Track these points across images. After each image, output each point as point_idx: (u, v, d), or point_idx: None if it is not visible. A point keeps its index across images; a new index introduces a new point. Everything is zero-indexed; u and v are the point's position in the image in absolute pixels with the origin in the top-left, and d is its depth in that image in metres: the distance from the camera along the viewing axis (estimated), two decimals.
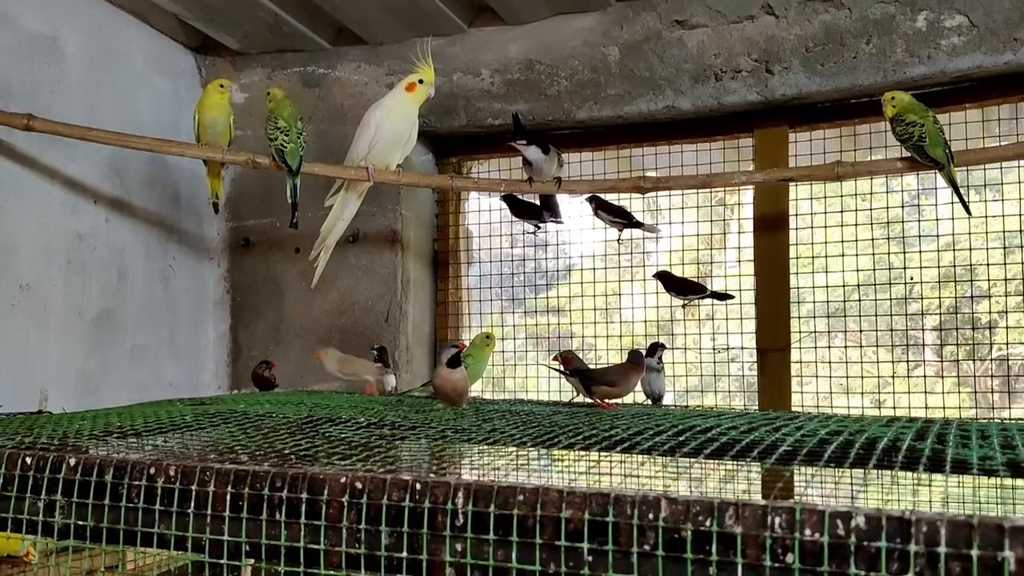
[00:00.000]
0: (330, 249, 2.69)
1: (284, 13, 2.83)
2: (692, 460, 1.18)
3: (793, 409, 2.61)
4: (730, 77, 2.61)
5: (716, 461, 1.17)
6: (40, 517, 1.29)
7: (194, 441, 1.49)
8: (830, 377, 2.68)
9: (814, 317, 2.89)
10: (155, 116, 2.99)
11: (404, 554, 1.11)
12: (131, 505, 1.26)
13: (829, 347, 2.73)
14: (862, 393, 2.71)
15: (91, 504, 1.28)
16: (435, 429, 1.51)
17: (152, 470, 1.26)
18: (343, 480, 1.16)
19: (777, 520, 0.96)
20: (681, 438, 1.29)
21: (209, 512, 1.21)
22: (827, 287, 2.71)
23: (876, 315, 2.64)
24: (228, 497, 1.20)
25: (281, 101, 2.49)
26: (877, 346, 2.70)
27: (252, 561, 1.22)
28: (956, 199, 2.17)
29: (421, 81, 2.40)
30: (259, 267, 3.16)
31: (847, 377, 2.67)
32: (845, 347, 2.74)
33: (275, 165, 2.45)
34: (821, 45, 2.52)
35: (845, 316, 2.70)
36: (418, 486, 1.11)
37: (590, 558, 1.02)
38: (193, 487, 1.23)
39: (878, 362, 2.67)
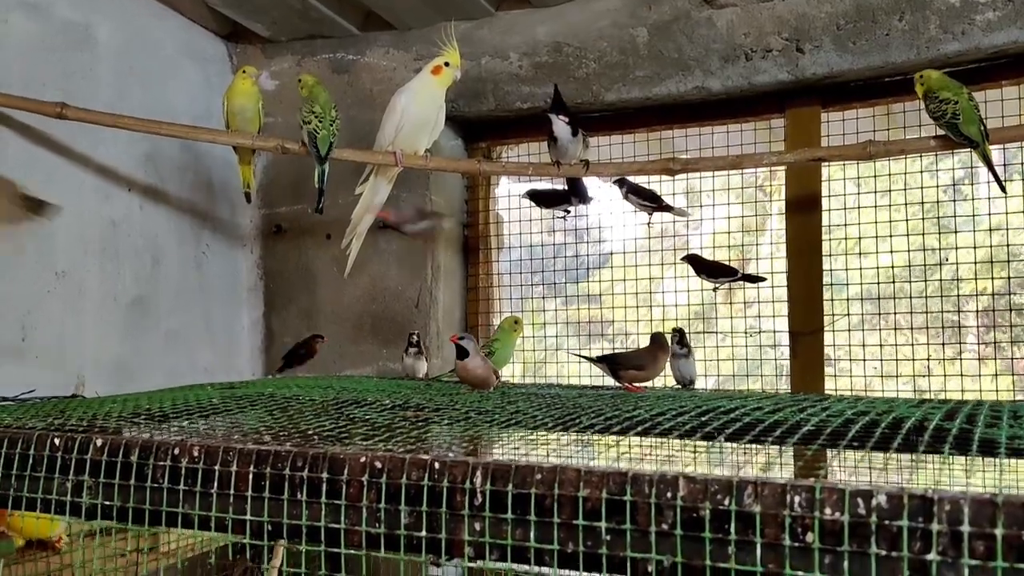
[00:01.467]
0: (362, 236, 2.69)
1: None
2: (712, 440, 1.16)
3: (826, 392, 2.58)
4: (760, 57, 2.58)
5: (737, 442, 1.16)
6: (68, 498, 1.31)
7: (220, 423, 1.50)
8: (864, 360, 2.64)
9: (848, 299, 2.83)
10: (186, 104, 3.01)
11: (423, 533, 1.11)
12: (156, 485, 1.27)
13: (862, 330, 2.69)
14: (897, 376, 2.66)
15: (118, 484, 1.29)
16: (458, 411, 1.51)
17: (176, 450, 1.27)
18: (363, 460, 1.16)
19: (797, 499, 0.95)
20: (703, 419, 1.28)
21: (232, 492, 1.22)
22: (860, 269, 2.65)
23: (911, 297, 2.59)
24: (250, 477, 1.21)
25: (314, 87, 2.49)
26: (912, 329, 2.65)
27: (285, 541, 1.22)
28: (991, 178, 2.12)
29: (447, 64, 2.40)
30: (291, 253, 3.18)
31: (881, 360, 2.63)
32: (879, 330, 2.71)
33: (304, 151, 2.46)
34: (852, 22, 2.48)
35: (880, 299, 2.65)
36: (437, 465, 1.11)
37: (608, 537, 1.02)
38: (216, 467, 1.23)
39: (913, 345, 2.62)
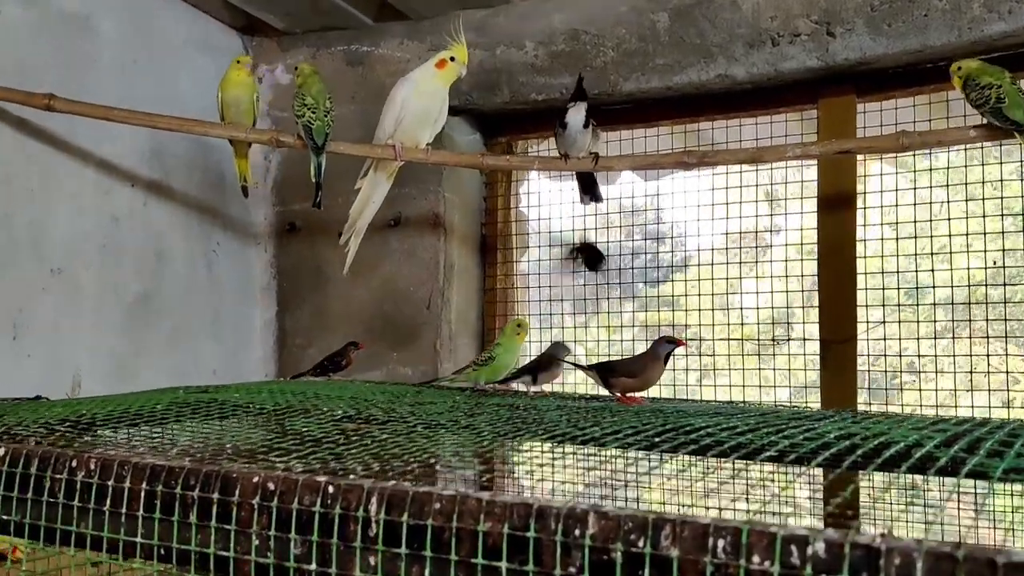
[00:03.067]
0: (361, 233, 2.58)
1: None
2: (652, 460, 1.00)
3: (857, 406, 2.38)
4: (788, 41, 2.38)
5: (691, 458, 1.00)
6: None
7: (145, 432, 1.38)
8: (937, 372, 2.40)
9: (932, 304, 2.56)
10: (197, 97, 2.93)
11: (313, 567, 0.97)
12: (52, 500, 1.16)
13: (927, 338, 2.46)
14: (988, 390, 2.40)
15: (16, 498, 1.19)
16: (408, 424, 1.37)
17: (74, 463, 1.15)
18: (255, 480, 1.03)
19: (720, 543, 0.79)
20: (660, 438, 1.12)
21: (124, 511, 1.10)
22: (907, 271, 2.42)
23: (984, 302, 2.37)
24: (142, 494, 1.09)
25: (309, 76, 2.39)
26: (988, 338, 2.41)
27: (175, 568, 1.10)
28: None
29: (452, 59, 2.27)
30: (304, 252, 3.08)
31: (955, 372, 2.39)
32: (951, 339, 2.48)
33: (300, 144, 2.35)
34: (888, 3, 2.27)
35: (955, 305, 2.41)
36: (331, 489, 0.98)
37: None
38: (110, 482, 1.12)
39: (988, 356, 2.38)
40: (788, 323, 2.83)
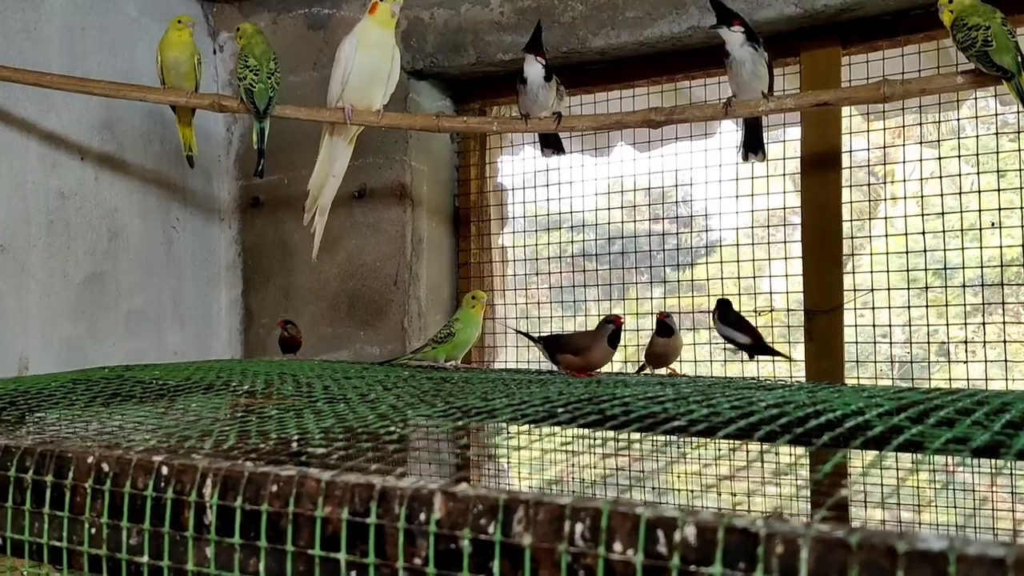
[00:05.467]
0: (325, 211, 2.44)
1: None
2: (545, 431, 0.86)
3: (844, 381, 2.23)
4: None
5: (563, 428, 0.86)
6: None
7: (19, 410, 1.26)
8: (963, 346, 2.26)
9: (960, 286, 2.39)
10: (153, 66, 2.80)
11: (145, 559, 0.85)
12: None
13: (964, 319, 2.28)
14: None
15: None
16: (311, 400, 1.23)
17: None
18: (90, 460, 0.90)
19: (579, 527, 0.66)
20: (564, 408, 0.97)
21: None
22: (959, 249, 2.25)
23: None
24: None
25: (252, 37, 2.25)
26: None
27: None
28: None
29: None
30: (269, 228, 2.95)
31: (984, 350, 2.23)
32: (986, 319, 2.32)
33: (243, 107, 2.22)
34: None
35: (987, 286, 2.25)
36: (164, 470, 0.85)
37: (352, 573, 0.74)
38: None
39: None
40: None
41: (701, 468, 0.76)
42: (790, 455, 0.76)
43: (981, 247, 2.30)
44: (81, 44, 2.60)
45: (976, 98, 2.29)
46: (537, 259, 2.95)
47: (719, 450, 0.83)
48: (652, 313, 2.44)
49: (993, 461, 0.80)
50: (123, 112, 2.68)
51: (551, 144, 2.31)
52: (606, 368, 1.85)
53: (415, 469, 1.06)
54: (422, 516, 0.71)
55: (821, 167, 2.32)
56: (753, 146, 2.14)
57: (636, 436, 0.80)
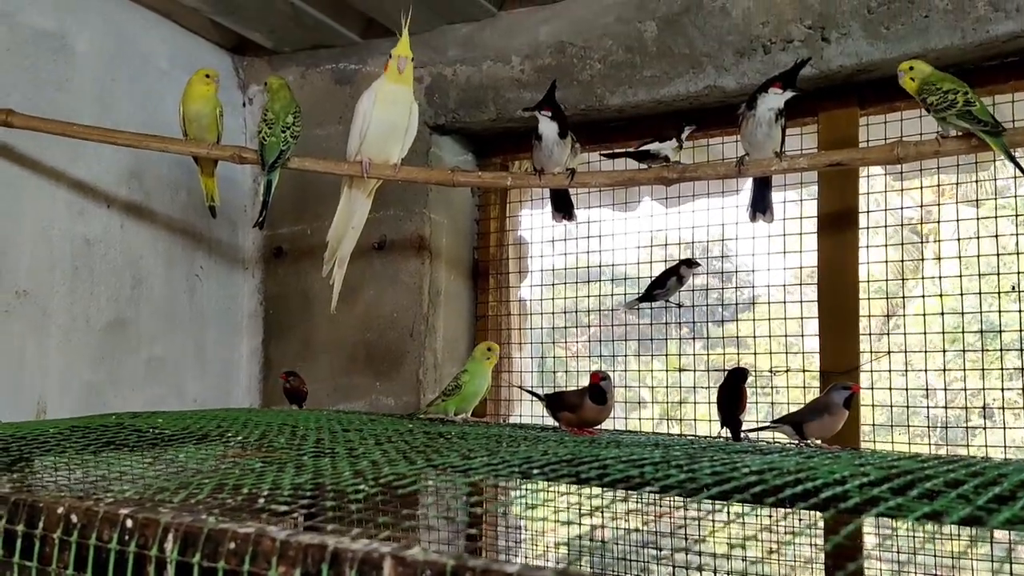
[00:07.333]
0: (344, 263, 2.45)
1: (301, 2, 2.65)
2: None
3: (853, 446, 2.18)
4: (780, 48, 2.22)
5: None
6: None
7: (6, 458, 1.26)
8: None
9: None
10: None
11: None
12: None
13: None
14: None
15: None
16: (299, 453, 1.23)
17: None
18: (60, 511, 0.90)
19: None
20: (541, 469, 0.96)
21: None
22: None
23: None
24: None
25: (277, 91, 2.30)
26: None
27: None
28: (1017, 170, 1.73)
29: (390, 57, 2.14)
30: (291, 278, 2.98)
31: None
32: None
33: (256, 159, 2.26)
34: (886, 4, 2.10)
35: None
36: (129, 523, 0.85)
37: None
38: None
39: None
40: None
41: (657, 538, 0.75)
42: (755, 523, 0.74)
43: (1021, 309, 2.25)
44: (111, 95, 2.67)
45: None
46: (565, 312, 2.92)
47: (685, 518, 0.81)
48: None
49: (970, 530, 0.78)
50: (151, 162, 2.73)
51: (561, 209, 2.32)
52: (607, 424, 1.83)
53: (370, 531, 1.05)
54: None
55: (838, 227, 2.30)
56: (761, 206, 2.12)
57: (608, 499, 0.79)
